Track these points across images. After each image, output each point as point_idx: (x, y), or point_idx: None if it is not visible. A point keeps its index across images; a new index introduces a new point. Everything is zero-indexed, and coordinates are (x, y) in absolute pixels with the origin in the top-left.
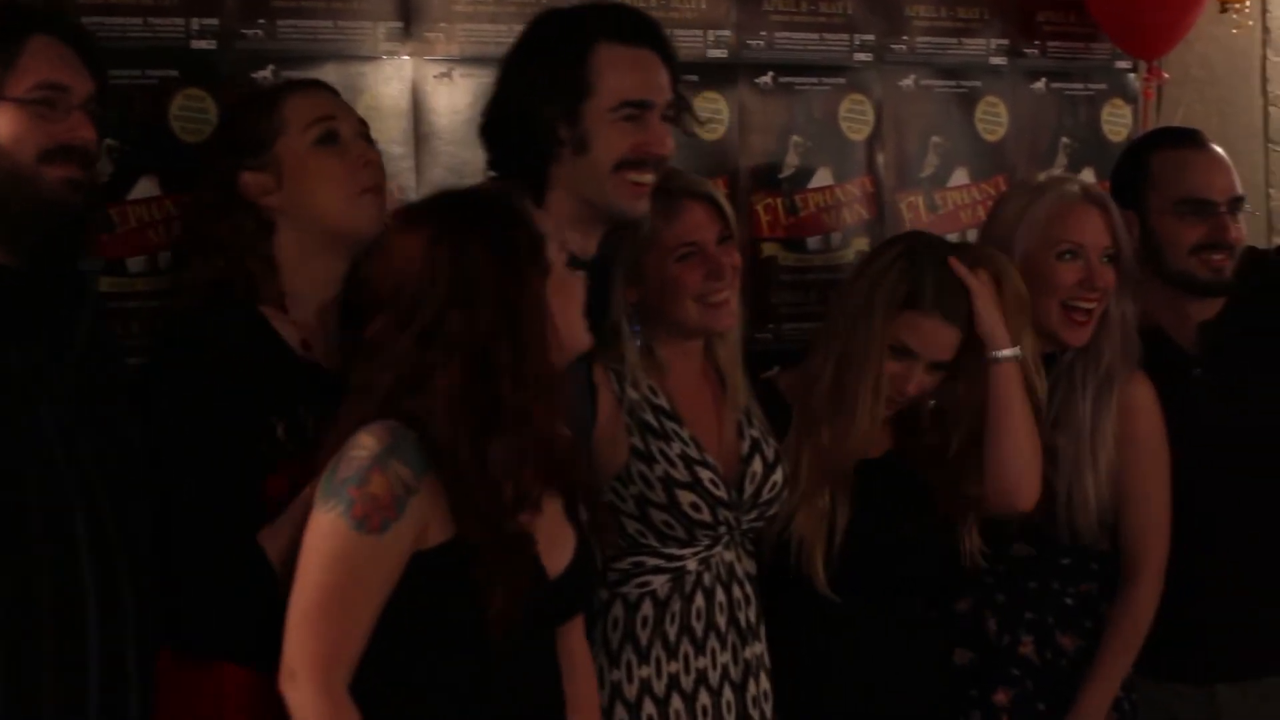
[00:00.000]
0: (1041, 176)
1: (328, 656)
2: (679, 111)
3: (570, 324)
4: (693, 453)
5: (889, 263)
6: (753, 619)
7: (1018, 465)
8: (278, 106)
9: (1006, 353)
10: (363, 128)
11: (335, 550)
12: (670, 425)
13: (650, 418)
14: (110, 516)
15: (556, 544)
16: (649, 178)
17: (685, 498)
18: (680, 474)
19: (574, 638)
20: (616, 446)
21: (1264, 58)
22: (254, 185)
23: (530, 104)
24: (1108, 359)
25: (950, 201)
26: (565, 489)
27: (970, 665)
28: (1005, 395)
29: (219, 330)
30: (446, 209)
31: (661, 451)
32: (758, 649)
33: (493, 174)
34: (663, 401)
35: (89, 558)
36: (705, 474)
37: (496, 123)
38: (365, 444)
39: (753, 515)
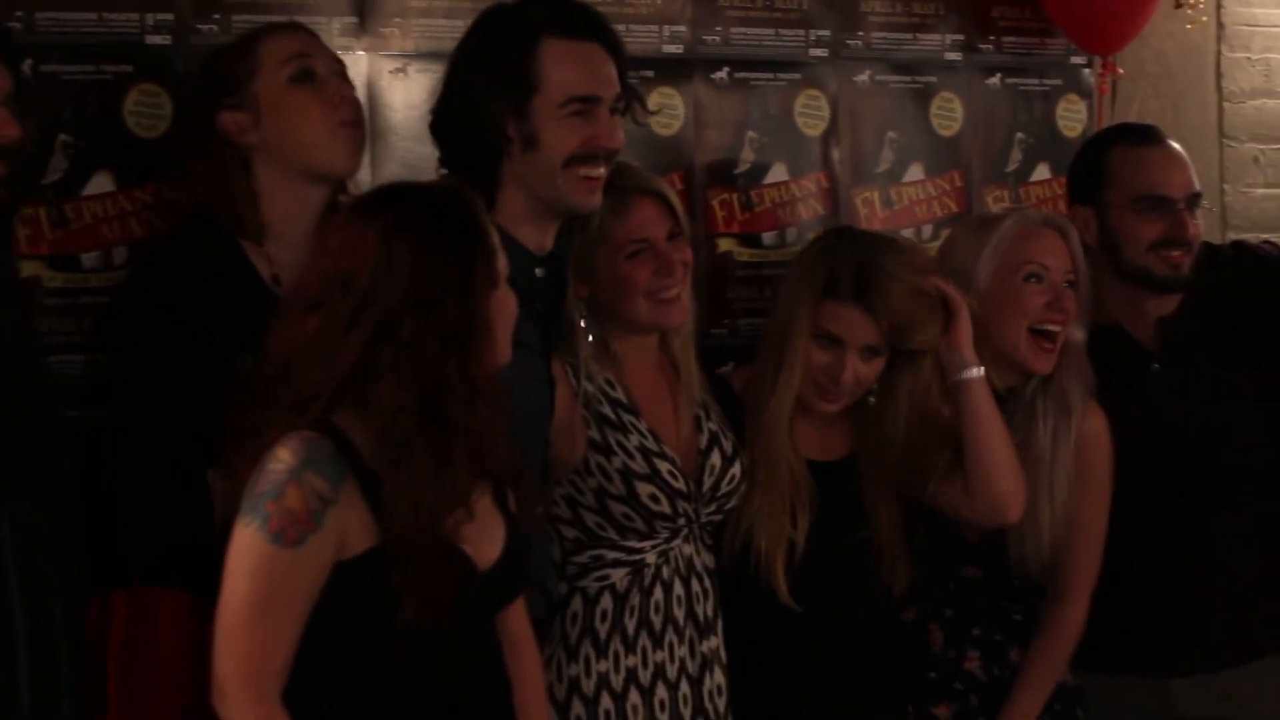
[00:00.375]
0: (996, 209)
1: (254, 671)
2: (629, 103)
3: (502, 340)
4: (650, 445)
5: (812, 255)
6: (710, 613)
7: (1003, 478)
8: (254, 47)
9: (975, 372)
10: (339, 66)
11: (254, 565)
12: (628, 418)
13: (607, 410)
14: (31, 519)
15: (486, 535)
16: (600, 171)
17: (644, 489)
18: (638, 466)
19: (514, 619)
20: (574, 440)
21: (1219, 53)
22: (232, 124)
23: (478, 101)
24: (1066, 390)
25: (905, 197)
26: (494, 479)
27: (913, 677)
28: (981, 412)
29: (196, 257)
30: (408, 205)
31: (619, 444)
32: (714, 643)
33: (444, 171)
34: (619, 394)
35: (13, 563)
36: (664, 466)
37: (445, 120)
38: (282, 458)
39: (711, 508)
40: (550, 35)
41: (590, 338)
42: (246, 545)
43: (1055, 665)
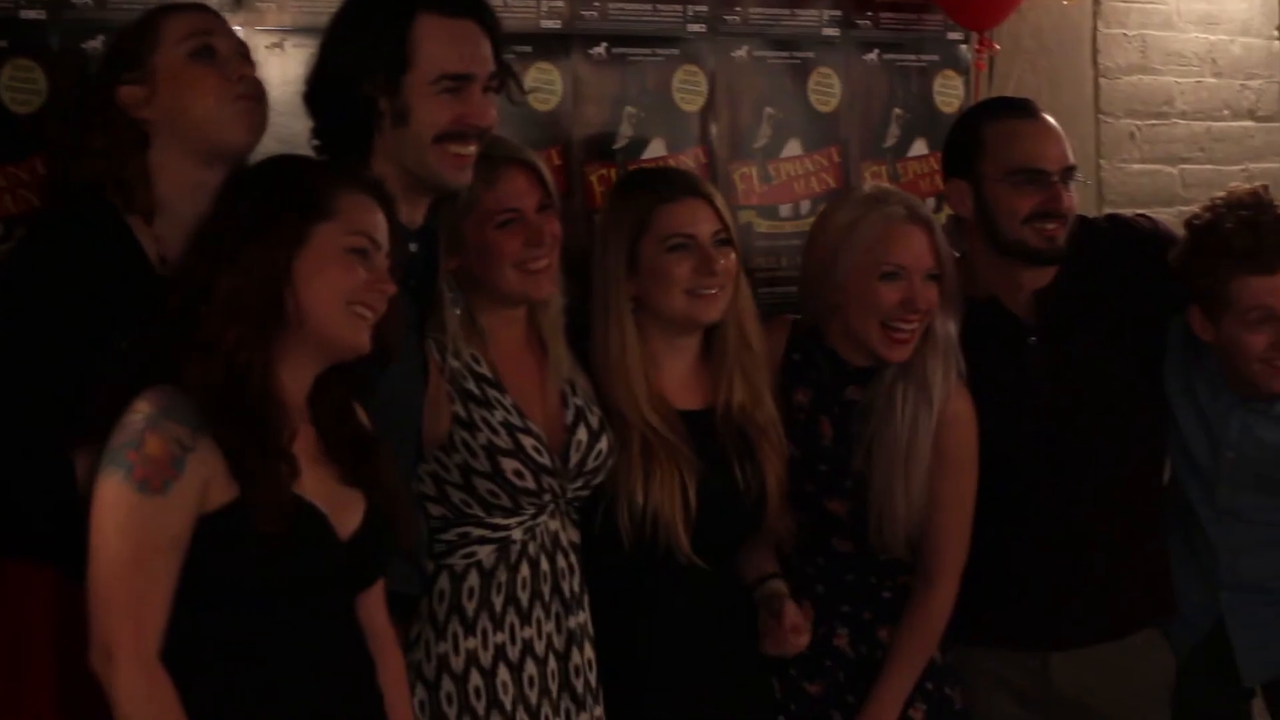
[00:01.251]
0: (868, 187)
1: (137, 628)
2: (503, 81)
3: (328, 307)
4: (515, 420)
5: (618, 199)
6: (576, 588)
7: None
8: (156, 23)
9: None
10: (242, 48)
11: (123, 517)
12: (493, 393)
13: (472, 385)
14: None
15: (343, 508)
16: (471, 149)
17: (509, 465)
18: (503, 441)
19: (376, 612)
20: (438, 416)
21: (1095, 29)
22: (129, 98)
23: (351, 75)
24: (928, 376)
25: (783, 172)
26: (340, 457)
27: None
28: None
29: (82, 233)
30: (247, 172)
31: (484, 419)
32: (581, 618)
33: (316, 143)
34: (485, 370)
35: None
36: (528, 441)
37: (318, 92)
38: (140, 409)
39: (578, 484)
40: (426, 11)
41: (458, 311)
42: (113, 498)
43: (924, 646)
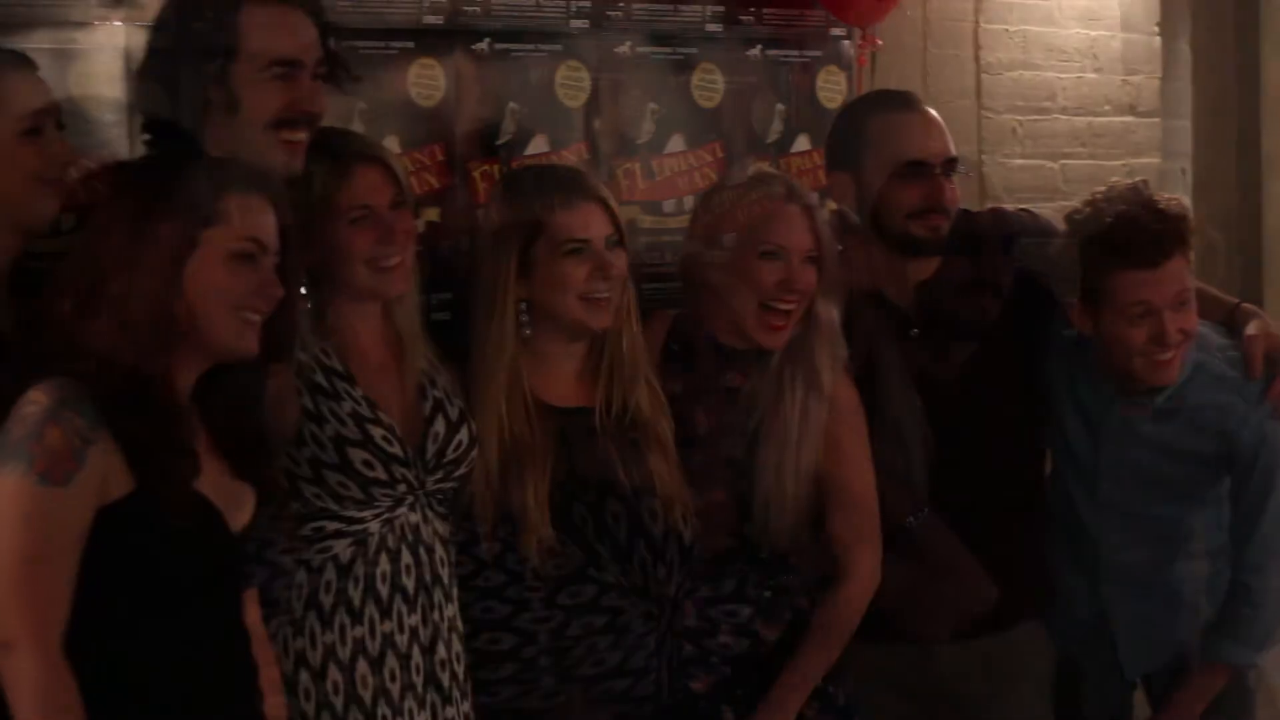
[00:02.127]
0: (751, 170)
1: (41, 620)
2: (333, 69)
3: (215, 313)
4: (364, 411)
5: (506, 200)
6: (445, 580)
7: None
8: None
9: None
10: (57, 114)
11: (25, 509)
12: (341, 385)
13: (320, 379)
14: None
15: (234, 503)
16: (302, 135)
17: (357, 455)
18: (351, 432)
19: (253, 614)
20: (285, 410)
21: (976, 25)
22: None
23: (179, 65)
24: (817, 362)
25: (667, 168)
26: (229, 452)
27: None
28: None
29: None
30: (126, 167)
31: (332, 411)
32: (449, 611)
33: (146, 136)
34: (334, 363)
35: None
36: (377, 431)
37: (147, 85)
38: (35, 399)
39: (438, 475)
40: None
41: (307, 305)
42: (13, 490)
43: (834, 643)
